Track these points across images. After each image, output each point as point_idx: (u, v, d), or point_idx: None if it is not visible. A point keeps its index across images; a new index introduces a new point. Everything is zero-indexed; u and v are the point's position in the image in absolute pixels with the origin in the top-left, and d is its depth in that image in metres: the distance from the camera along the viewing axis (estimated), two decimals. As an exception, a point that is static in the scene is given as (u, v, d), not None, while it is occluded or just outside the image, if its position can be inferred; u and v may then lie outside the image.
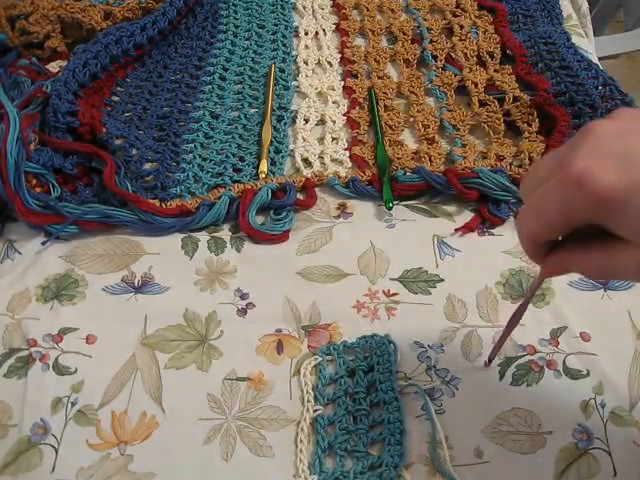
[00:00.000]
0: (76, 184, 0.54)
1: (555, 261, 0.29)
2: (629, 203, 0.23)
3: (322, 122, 0.61)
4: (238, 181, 0.54)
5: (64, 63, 0.66)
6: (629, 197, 0.23)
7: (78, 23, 0.68)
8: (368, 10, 0.75)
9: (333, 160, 0.57)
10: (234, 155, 0.57)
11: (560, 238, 0.28)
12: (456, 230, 0.51)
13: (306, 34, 0.73)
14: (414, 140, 0.59)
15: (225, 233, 0.51)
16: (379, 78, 0.65)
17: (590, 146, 0.24)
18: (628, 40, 1.08)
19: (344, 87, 0.65)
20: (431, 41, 0.69)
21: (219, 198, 0.52)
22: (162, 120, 0.60)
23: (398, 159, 0.55)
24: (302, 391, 0.41)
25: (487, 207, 0.51)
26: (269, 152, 0.57)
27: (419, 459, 0.38)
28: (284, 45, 0.71)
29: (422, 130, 0.58)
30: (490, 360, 0.42)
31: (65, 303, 0.46)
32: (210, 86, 0.65)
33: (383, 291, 0.47)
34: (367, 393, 0.41)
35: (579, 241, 0.27)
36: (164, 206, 0.51)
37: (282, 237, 0.50)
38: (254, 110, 0.62)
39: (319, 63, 0.69)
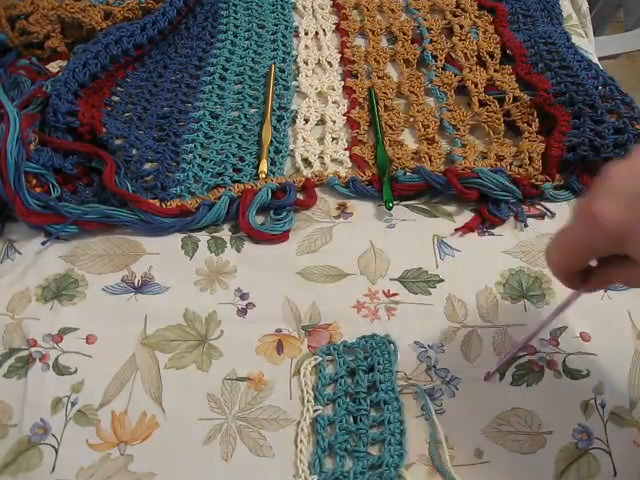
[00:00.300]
0: (76, 184, 0.54)
1: (601, 276, 0.32)
2: (636, 233, 0.26)
3: (322, 122, 0.61)
4: (238, 181, 0.54)
5: (64, 63, 0.66)
6: (636, 229, 0.26)
7: (78, 23, 0.68)
8: (368, 10, 0.75)
9: (333, 160, 0.57)
10: (234, 155, 0.57)
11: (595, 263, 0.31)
12: (456, 230, 0.51)
13: (306, 34, 0.73)
14: (414, 140, 0.59)
15: (225, 233, 0.51)
16: (379, 78, 0.65)
17: (605, 189, 0.28)
18: (628, 40, 1.08)
19: (344, 87, 0.65)
20: (431, 41, 0.69)
21: (219, 198, 0.52)
22: (162, 120, 0.60)
23: (398, 159, 0.55)
24: (302, 391, 0.41)
25: (487, 207, 0.51)
26: (269, 152, 0.57)
27: (419, 459, 0.38)
28: (284, 45, 0.71)
29: (422, 130, 0.58)
30: (491, 374, 0.41)
31: (65, 303, 0.46)
32: (210, 86, 0.65)
33: (383, 291, 0.47)
34: (367, 393, 0.41)
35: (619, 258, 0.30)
36: (164, 206, 0.51)
37: (282, 237, 0.50)
38: (254, 110, 0.62)
39: (319, 63, 0.69)
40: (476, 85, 0.62)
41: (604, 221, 0.27)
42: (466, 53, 0.67)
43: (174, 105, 0.62)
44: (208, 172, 0.55)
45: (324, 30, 0.73)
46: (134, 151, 0.56)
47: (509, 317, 0.45)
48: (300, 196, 0.53)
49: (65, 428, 0.40)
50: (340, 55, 0.70)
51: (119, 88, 0.65)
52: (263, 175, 0.54)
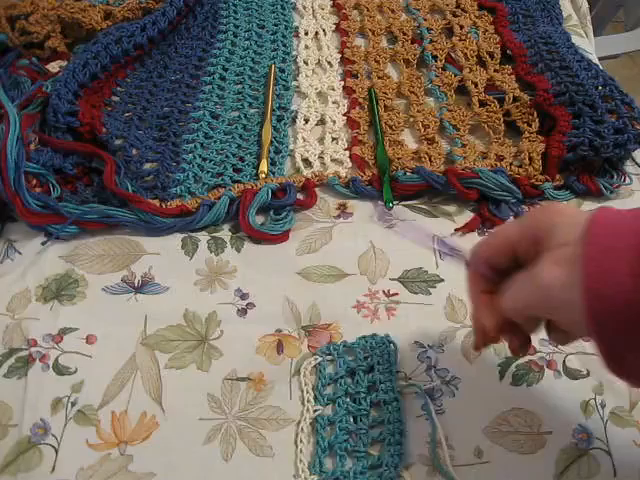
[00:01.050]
0: (76, 184, 0.54)
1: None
2: (557, 225, 0.29)
3: (322, 122, 0.61)
4: (238, 181, 0.54)
5: (64, 63, 0.66)
6: (565, 222, 0.29)
7: (78, 23, 0.68)
8: (368, 10, 0.75)
9: (333, 160, 0.57)
10: (234, 155, 0.57)
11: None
12: (456, 230, 0.51)
13: (306, 34, 0.73)
14: (414, 140, 0.59)
15: (225, 233, 0.51)
16: (379, 78, 0.65)
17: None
18: (628, 40, 1.08)
19: (344, 87, 0.65)
20: (431, 41, 0.69)
21: (219, 198, 0.52)
22: (162, 120, 0.60)
23: (398, 159, 0.55)
24: (302, 391, 0.41)
25: (487, 207, 0.51)
26: (269, 152, 0.57)
27: (419, 459, 0.38)
28: (284, 45, 0.71)
29: (422, 130, 0.58)
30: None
31: (65, 303, 0.46)
32: (210, 86, 0.65)
33: (383, 291, 0.47)
34: (367, 393, 0.41)
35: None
36: (164, 206, 0.51)
37: (282, 237, 0.50)
38: (254, 110, 0.62)
39: (319, 63, 0.69)
40: (476, 85, 0.62)
41: (553, 205, 0.30)
42: (466, 53, 0.67)
43: (174, 105, 0.62)
44: (208, 172, 0.55)
45: (324, 30, 0.73)
46: (134, 151, 0.56)
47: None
48: (300, 196, 0.53)
49: (65, 428, 0.40)
50: (340, 55, 0.70)
51: (119, 88, 0.65)
52: (263, 175, 0.54)
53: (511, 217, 0.51)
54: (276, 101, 0.62)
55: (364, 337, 0.44)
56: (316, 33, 0.73)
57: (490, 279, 0.33)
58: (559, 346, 0.43)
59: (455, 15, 0.73)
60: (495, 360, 0.42)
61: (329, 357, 0.43)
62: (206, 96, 0.63)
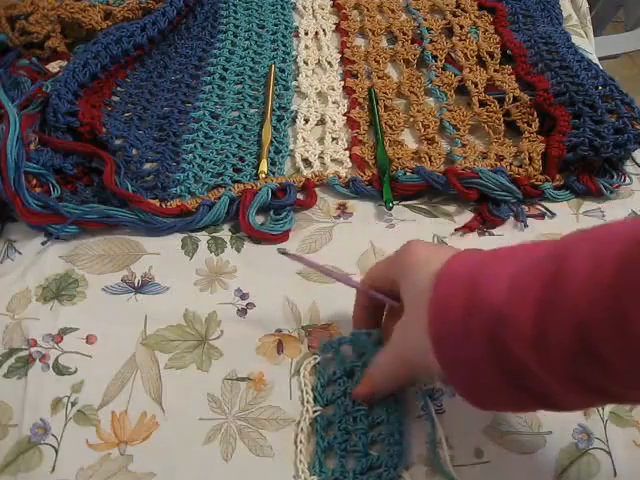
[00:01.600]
0: (76, 184, 0.54)
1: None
2: (416, 271, 0.34)
3: (322, 122, 0.61)
4: (238, 181, 0.54)
5: (64, 63, 0.66)
6: (417, 267, 0.34)
7: (78, 23, 0.68)
8: (368, 10, 0.75)
9: (333, 160, 0.57)
10: (234, 155, 0.57)
11: None
12: (456, 230, 0.51)
13: (306, 34, 0.73)
14: (414, 140, 0.59)
15: (225, 233, 0.51)
16: (379, 78, 0.65)
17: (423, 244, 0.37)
18: (628, 40, 1.08)
19: (344, 87, 0.65)
20: (431, 41, 0.69)
21: (219, 198, 0.52)
22: (162, 120, 0.60)
23: (398, 159, 0.55)
24: (302, 391, 0.41)
25: (487, 207, 0.51)
26: (269, 152, 0.57)
27: (419, 459, 0.38)
28: (284, 45, 0.71)
29: (422, 130, 0.58)
30: (284, 253, 0.43)
31: (65, 303, 0.46)
32: (210, 86, 0.65)
33: (383, 291, 0.47)
34: (367, 393, 0.40)
35: None
36: (164, 206, 0.51)
37: (282, 237, 0.50)
38: (254, 110, 0.62)
39: (319, 63, 0.69)
40: (476, 85, 0.62)
41: (412, 247, 0.36)
42: (466, 53, 0.67)
43: (174, 105, 0.62)
44: (208, 172, 0.55)
45: (324, 30, 0.73)
46: (134, 151, 0.56)
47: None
48: (300, 196, 0.53)
49: (65, 428, 0.40)
50: (340, 55, 0.70)
51: (119, 88, 0.65)
52: (263, 175, 0.54)
53: (511, 217, 0.51)
54: (276, 101, 0.63)
55: (360, 332, 0.42)
56: (316, 33, 0.73)
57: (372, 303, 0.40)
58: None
59: (455, 15, 0.73)
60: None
61: (329, 356, 0.43)
62: (206, 96, 0.63)
